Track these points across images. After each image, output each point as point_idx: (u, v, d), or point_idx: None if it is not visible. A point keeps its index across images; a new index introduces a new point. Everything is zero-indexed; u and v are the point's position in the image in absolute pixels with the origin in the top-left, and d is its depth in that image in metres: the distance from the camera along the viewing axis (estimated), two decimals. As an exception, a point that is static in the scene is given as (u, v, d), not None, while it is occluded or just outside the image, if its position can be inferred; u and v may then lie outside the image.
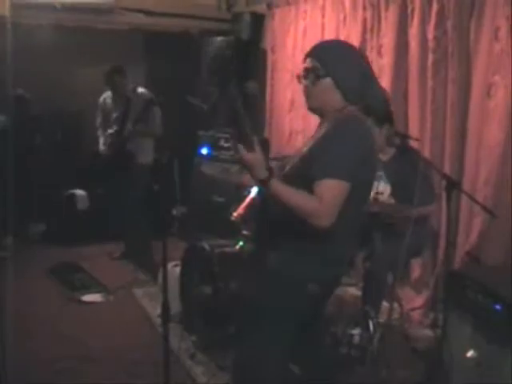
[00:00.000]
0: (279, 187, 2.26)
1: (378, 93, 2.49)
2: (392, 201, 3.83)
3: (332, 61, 2.39)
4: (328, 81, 2.38)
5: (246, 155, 2.25)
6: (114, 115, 5.58)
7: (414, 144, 3.72)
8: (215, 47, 6.74)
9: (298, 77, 2.48)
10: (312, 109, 2.51)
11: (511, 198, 3.77)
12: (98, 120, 5.77)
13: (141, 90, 5.51)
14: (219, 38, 6.74)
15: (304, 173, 2.32)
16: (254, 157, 2.25)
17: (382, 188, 3.87)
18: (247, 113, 2.29)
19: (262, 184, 2.26)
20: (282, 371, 2.62)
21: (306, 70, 2.44)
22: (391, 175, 3.83)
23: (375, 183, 3.90)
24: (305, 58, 2.48)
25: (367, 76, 2.43)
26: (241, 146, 2.26)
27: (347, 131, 2.31)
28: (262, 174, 2.24)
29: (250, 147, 2.25)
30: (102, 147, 5.69)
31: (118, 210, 5.72)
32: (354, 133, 2.32)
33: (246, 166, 2.28)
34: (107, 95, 5.69)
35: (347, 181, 2.21)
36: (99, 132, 5.75)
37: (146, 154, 5.57)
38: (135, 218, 5.51)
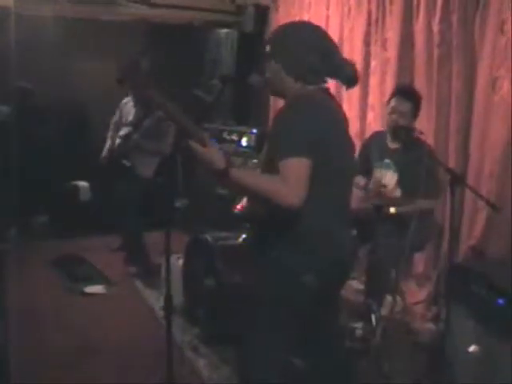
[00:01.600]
0: (241, 175, 2.22)
1: (345, 69, 2.44)
2: (398, 191, 3.82)
3: (279, 45, 2.43)
4: (276, 66, 2.41)
5: (202, 150, 2.22)
6: (130, 118, 5.47)
7: (421, 136, 3.72)
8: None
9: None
10: (271, 93, 2.59)
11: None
12: (114, 119, 5.68)
13: None
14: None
15: (268, 159, 2.30)
16: (208, 150, 2.22)
17: (387, 180, 3.87)
18: (180, 110, 2.26)
19: (222, 176, 2.19)
20: (285, 366, 2.59)
21: (264, 56, 2.48)
22: (399, 164, 3.83)
23: (379, 173, 3.90)
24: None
25: (328, 54, 2.40)
26: (193, 143, 2.23)
27: (295, 108, 2.28)
28: (220, 164, 2.19)
29: (201, 143, 2.22)
30: (104, 153, 5.62)
31: (114, 206, 5.66)
32: (303, 108, 2.28)
33: (202, 162, 2.23)
34: (130, 98, 5.56)
35: (305, 157, 2.17)
36: (109, 134, 5.67)
37: (147, 167, 5.41)
38: (127, 216, 5.43)
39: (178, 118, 2.28)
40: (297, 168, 2.16)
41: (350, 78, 2.45)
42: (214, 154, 2.21)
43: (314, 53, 2.38)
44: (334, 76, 2.46)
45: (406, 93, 3.87)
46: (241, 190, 2.27)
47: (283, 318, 2.39)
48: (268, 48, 2.46)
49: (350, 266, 2.61)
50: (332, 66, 2.42)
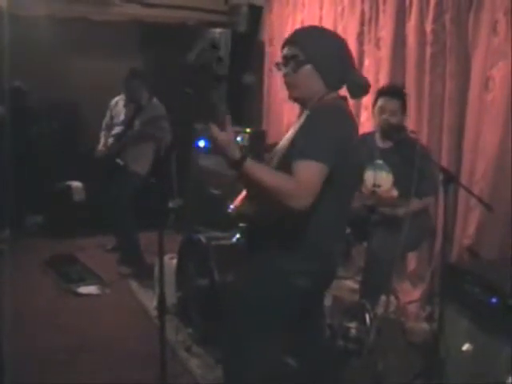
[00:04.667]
0: (255, 166, 2.18)
1: (358, 78, 2.46)
2: (395, 191, 3.82)
3: (313, 47, 2.36)
4: (309, 68, 2.35)
5: (220, 134, 2.17)
6: (122, 118, 5.48)
7: (413, 135, 3.73)
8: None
9: (277, 65, 2.45)
10: (294, 98, 2.47)
11: (510, 192, 3.76)
12: (105, 120, 5.68)
13: (155, 101, 5.40)
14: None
15: (287, 164, 2.27)
16: (228, 136, 2.18)
17: (380, 180, 3.86)
18: (222, 92, 2.22)
19: (237, 165, 2.16)
20: (274, 367, 2.61)
21: (286, 57, 2.41)
22: (392, 164, 3.83)
23: (372, 174, 3.89)
24: (283, 46, 2.44)
25: (347, 61, 2.41)
26: (213, 126, 2.18)
27: (323, 118, 2.27)
28: (237, 153, 2.16)
29: (222, 126, 2.18)
30: (100, 148, 5.59)
31: (107, 206, 5.62)
32: (331, 120, 2.27)
33: (219, 147, 2.19)
34: (121, 98, 5.59)
35: (324, 163, 2.16)
36: (102, 133, 5.67)
37: (141, 163, 5.43)
38: (121, 216, 5.42)
39: (215, 92, 2.24)
40: (313, 171, 2.15)
41: (362, 89, 2.47)
42: (230, 141, 2.18)
43: (344, 60, 2.40)
44: (348, 85, 2.45)
45: (392, 91, 3.88)
46: (252, 182, 2.20)
47: (273, 319, 2.41)
48: (292, 50, 2.38)
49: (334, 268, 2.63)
50: (350, 76, 2.42)
